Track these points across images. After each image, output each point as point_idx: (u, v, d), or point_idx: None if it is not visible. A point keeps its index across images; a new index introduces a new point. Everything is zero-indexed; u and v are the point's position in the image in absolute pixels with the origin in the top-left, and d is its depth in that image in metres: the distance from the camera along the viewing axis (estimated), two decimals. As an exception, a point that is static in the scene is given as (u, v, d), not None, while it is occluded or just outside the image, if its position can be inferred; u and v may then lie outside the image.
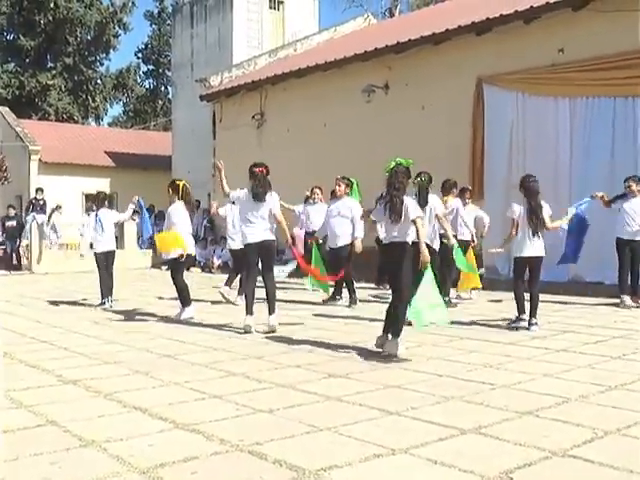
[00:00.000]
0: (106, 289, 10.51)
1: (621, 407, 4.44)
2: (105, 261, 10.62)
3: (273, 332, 7.59)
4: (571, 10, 12.69)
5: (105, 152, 30.88)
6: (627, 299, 9.74)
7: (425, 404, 4.55)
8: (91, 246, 11.16)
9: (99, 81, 46.48)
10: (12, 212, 20.41)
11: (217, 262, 18.46)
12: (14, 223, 20.05)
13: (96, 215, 10.73)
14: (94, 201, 11.38)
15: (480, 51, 14.27)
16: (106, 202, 11.01)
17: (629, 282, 9.92)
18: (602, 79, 12.31)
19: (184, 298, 9.10)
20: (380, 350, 6.28)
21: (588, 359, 6.01)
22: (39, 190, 21.34)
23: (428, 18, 19.46)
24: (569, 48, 12.83)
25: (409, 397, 4.74)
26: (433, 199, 8.45)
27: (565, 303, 10.00)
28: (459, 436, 3.89)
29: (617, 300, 9.83)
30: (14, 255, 19.83)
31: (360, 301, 10.21)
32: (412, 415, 4.30)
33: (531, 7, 13.19)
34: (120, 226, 17.64)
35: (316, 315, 9.25)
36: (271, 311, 7.80)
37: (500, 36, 13.86)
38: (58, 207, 20.47)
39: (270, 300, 7.84)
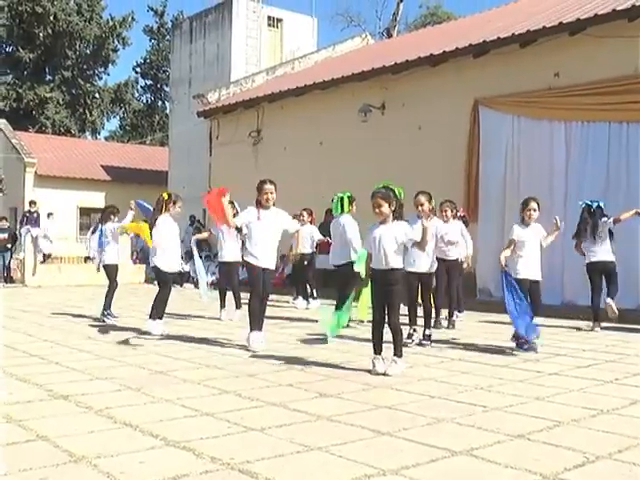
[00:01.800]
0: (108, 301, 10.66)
1: (612, 432, 4.44)
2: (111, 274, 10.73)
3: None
4: (567, 35, 12.81)
5: (101, 166, 30.95)
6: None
7: (416, 425, 4.55)
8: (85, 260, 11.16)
9: (97, 95, 46.65)
10: (5, 224, 20.37)
11: (210, 279, 18.34)
12: (5, 235, 20.01)
13: (101, 230, 10.77)
14: (102, 215, 11.22)
15: (477, 73, 14.37)
16: (112, 216, 10.94)
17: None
18: (597, 104, 12.40)
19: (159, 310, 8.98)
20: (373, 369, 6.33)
21: (580, 383, 6.02)
22: (32, 203, 21.35)
23: (425, 39, 19.61)
24: (565, 72, 12.95)
25: (401, 418, 4.74)
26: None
27: (557, 327, 10.01)
28: (450, 458, 3.88)
29: (608, 324, 9.95)
30: (5, 268, 19.77)
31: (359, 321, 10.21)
32: (403, 436, 4.29)
33: (528, 31, 13.31)
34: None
35: (308, 334, 9.24)
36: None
37: (497, 59, 13.99)
38: (50, 214, 20.70)
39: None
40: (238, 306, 10.86)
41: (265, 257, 7.77)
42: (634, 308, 11.39)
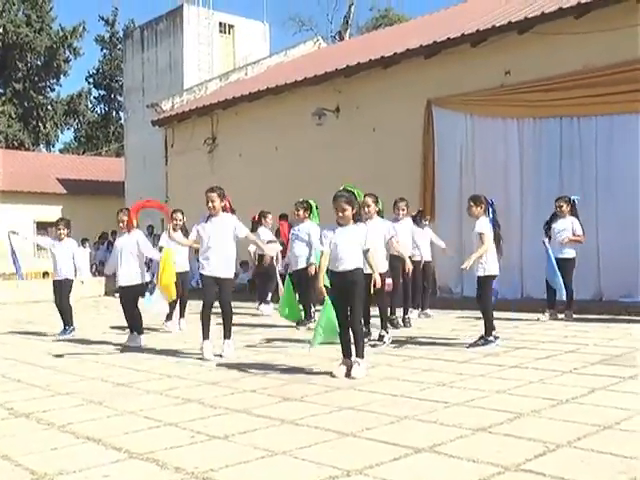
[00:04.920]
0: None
1: (572, 420, 4.52)
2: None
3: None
4: (517, 33, 12.99)
5: (57, 179, 30.56)
6: (547, 314, 10.28)
7: (380, 424, 4.58)
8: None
9: (50, 107, 46.05)
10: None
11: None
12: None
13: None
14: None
15: (429, 74, 14.50)
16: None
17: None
18: (548, 100, 12.60)
19: (138, 326, 9.02)
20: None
21: (540, 374, 6.11)
22: (-13, 219, 21.00)
23: (377, 41, 19.73)
24: (516, 70, 13.14)
25: (364, 418, 4.77)
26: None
27: (516, 320, 10.15)
28: (414, 455, 3.92)
29: (562, 315, 10.16)
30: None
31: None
32: (367, 436, 4.32)
33: (477, 30, 13.47)
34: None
35: (269, 339, 9.24)
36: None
37: (448, 59, 14.13)
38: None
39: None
40: (181, 315, 10.69)
41: (214, 265, 7.66)
42: (592, 299, 11.59)
